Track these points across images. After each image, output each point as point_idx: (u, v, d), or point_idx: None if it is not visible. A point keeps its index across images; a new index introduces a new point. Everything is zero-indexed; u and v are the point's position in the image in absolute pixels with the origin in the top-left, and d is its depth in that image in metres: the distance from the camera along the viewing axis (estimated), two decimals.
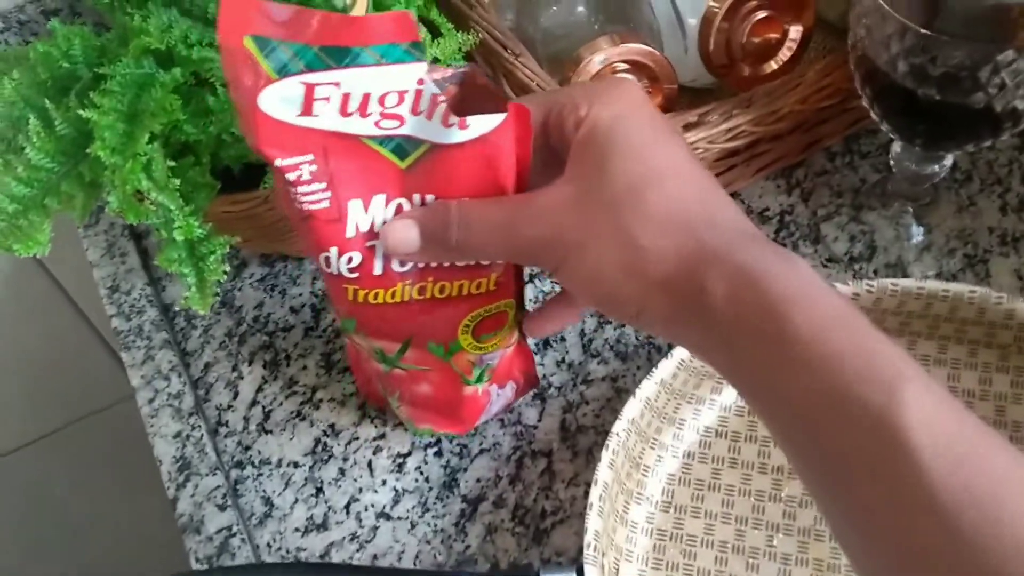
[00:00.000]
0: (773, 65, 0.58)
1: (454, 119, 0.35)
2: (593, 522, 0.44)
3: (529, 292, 0.58)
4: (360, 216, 0.38)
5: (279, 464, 0.53)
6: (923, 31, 0.42)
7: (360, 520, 0.51)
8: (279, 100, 0.34)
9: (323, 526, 0.51)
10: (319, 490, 0.52)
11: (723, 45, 0.56)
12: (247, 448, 0.54)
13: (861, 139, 0.62)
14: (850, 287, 0.49)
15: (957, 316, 0.49)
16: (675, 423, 0.50)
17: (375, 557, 0.50)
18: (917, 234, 0.57)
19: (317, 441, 0.54)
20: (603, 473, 0.45)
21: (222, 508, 0.52)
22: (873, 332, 0.30)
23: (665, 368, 0.48)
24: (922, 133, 0.48)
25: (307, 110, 0.34)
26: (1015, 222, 0.56)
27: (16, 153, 0.45)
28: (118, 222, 0.66)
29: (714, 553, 0.46)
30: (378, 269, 0.40)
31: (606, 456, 0.46)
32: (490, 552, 0.49)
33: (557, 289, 0.58)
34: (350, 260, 0.39)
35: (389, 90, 0.35)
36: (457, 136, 0.36)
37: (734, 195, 0.60)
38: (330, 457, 0.53)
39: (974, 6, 0.41)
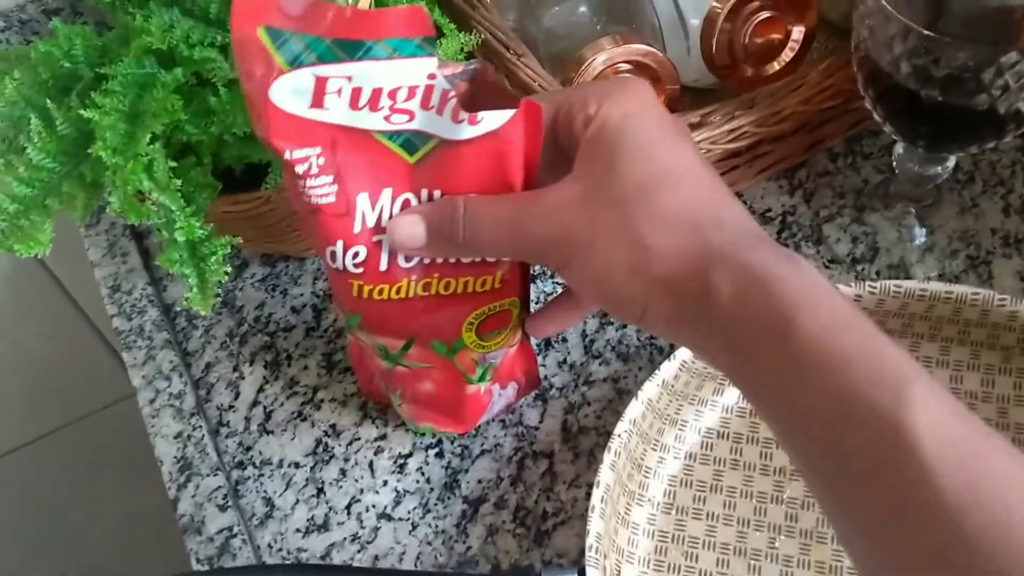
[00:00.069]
0: (776, 66, 0.58)
1: (464, 115, 0.35)
2: (595, 524, 0.44)
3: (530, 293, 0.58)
4: (367, 210, 0.38)
5: (280, 465, 0.53)
6: (926, 32, 0.42)
7: (361, 521, 0.51)
8: (290, 92, 0.34)
9: (324, 527, 0.51)
10: (320, 491, 0.52)
11: (726, 46, 0.56)
12: (248, 448, 0.54)
13: (863, 140, 0.62)
14: (852, 288, 0.49)
15: (960, 318, 0.49)
16: (677, 424, 0.50)
17: (376, 558, 0.50)
18: (920, 235, 0.57)
19: (318, 442, 0.54)
20: (605, 474, 0.45)
21: (223, 509, 0.52)
22: (878, 335, 0.30)
23: (667, 369, 0.48)
24: (925, 135, 0.48)
25: (318, 103, 0.35)
26: (1018, 223, 0.56)
27: (17, 153, 0.45)
28: (119, 222, 0.66)
29: (716, 555, 0.46)
30: (383, 264, 0.40)
31: (608, 457, 0.46)
32: (491, 553, 0.49)
33: (558, 290, 0.57)
34: (356, 255, 0.39)
35: (400, 85, 0.35)
36: (467, 132, 0.36)
37: (736, 196, 0.59)
38: (331, 458, 0.53)
39: (977, 7, 0.41)
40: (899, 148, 0.53)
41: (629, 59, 0.53)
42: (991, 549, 0.26)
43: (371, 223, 0.38)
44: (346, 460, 0.53)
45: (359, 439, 0.54)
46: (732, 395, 0.51)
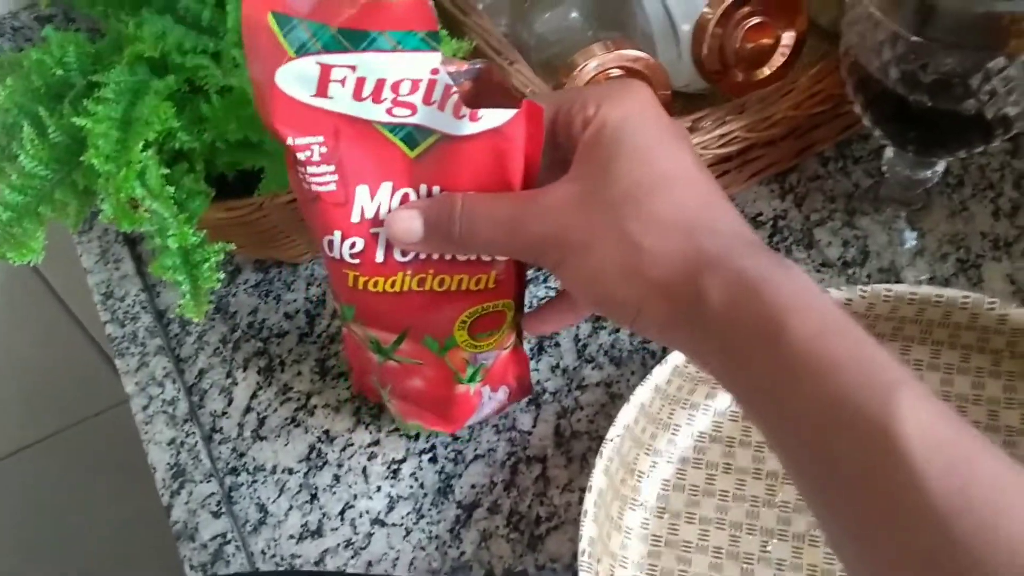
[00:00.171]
0: (766, 71, 0.58)
1: (465, 111, 0.36)
2: (588, 528, 0.44)
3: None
4: (366, 202, 0.38)
5: (274, 471, 0.53)
6: (914, 38, 0.42)
7: (355, 527, 0.51)
8: (295, 78, 0.34)
9: (318, 533, 0.51)
10: (314, 497, 0.52)
11: (716, 51, 0.56)
12: (241, 455, 0.54)
13: (854, 144, 0.62)
14: (843, 292, 0.49)
15: (950, 321, 0.49)
16: (669, 429, 0.50)
17: (369, 564, 0.50)
18: (910, 239, 0.57)
19: (312, 447, 0.54)
20: (597, 479, 0.45)
21: (216, 515, 0.52)
22: (868, 340, 0.30)
23: (659, 374, 0.48)
24: (914, 139, 0.49)
25: (322, 91, 0.35)
26: (1007, 227, 0.57)
27: (10, 160, 0.45)
28: (112, 228, 0.66)
29: (708, 559, 0.47)
30: (380, 257, 0.40)
31: (600, 462, 0.46)
32: (485, 558, 0.49)
33: (551, 295, 0.58)
34: (353, 245, 0.39)
35: (403, 77, 0.35)
36: (467, 128, 0.36)
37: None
38: (325, 464, 0.53)
39: (965, 13, 0.41)
40: (889, 152, 0.53)
41: (620, 64, 0.54)
42: (980, 553, 0.26)
43: (369, 215, 0.39)
44: (339, 466, 0.53)
45: (352, 445, 0.54)
46: (724, 399, 0.51)
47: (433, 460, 0.53)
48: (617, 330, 0.56)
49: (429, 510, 0.51)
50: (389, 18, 0.34)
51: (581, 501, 0.45)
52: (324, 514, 0.52)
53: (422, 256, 0.40)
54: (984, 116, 0.44)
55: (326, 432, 0.54)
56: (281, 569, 0.50)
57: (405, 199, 0.38)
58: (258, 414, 0.56)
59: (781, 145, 0.59)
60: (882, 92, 0.46)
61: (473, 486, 0.51)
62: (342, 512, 0.51)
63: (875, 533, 0.28)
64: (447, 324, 0.43)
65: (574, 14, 0.60)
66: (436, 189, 0.38)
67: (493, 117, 0.36)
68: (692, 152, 0.37)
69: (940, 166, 0.52)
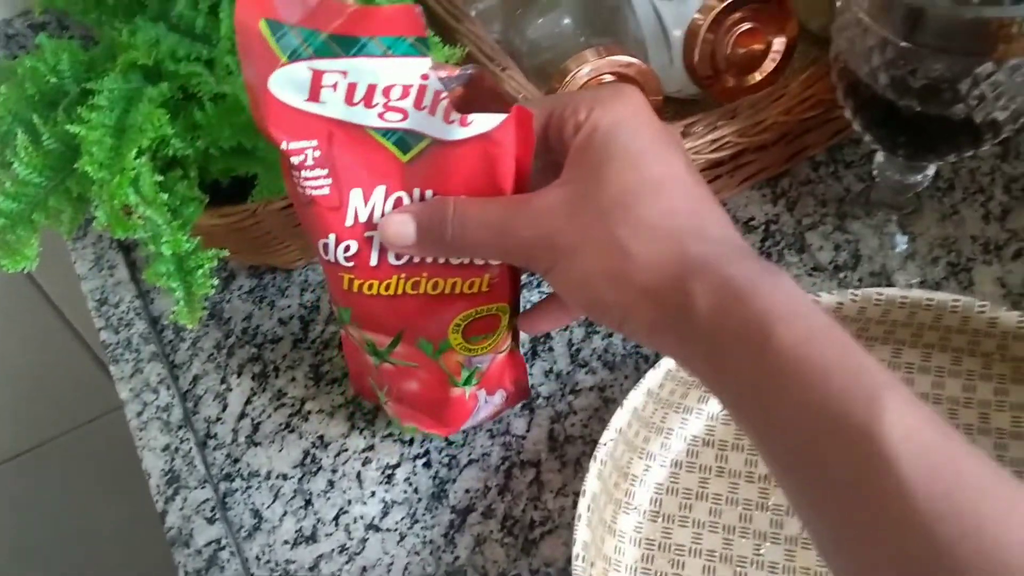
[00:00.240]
0: (757, 76, 0.58)
1: (455, 116, 0.36)
2: (581, 532, 0.44)
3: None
4: (360, 206, 0.39)
5: (268, 476, 0.53)
6: (903, 43, 0.42)
7: (349, 532, 0.51)
8: (288, 84, 0.35)
9: (312, 538, 0.51)
10: (308, 502, 0.52)
11: (708, 56, 0.57)
12: (236, 460, 0.54)
13: (845, 149, 0.62)
14: (835, 296, 0.49)
15: (941, 324, 0.49)
16: (662, 432, 0.50)
17: (364, 569, 0.50)
18: (901, 243, 0.57)
19: (306, 453, 0.54)
20: (591, 483, 0.45)
21: (211, 521, 0.52)
22: (855, 346, 0.31)
23: (652, 378, 0.49)
24: (904, 144, 0.49)
25: (314, 96, 0.35)
26: (997, 230, 0.57)
27: (4, 168, 0.45)
28: (106, 235, 0.66)
29: (702, 562, 0.47)
30: (374, 260, 0.40)
31: (594, 466, 0.46)
32: (479, 563, 0.49)
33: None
34: (347, 248, 0.40)
35: (394, 82, 0.35)
36: (458, 133, 0.37)
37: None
38: (319, 469, 0.53)
39: (954, 19, 0.41)
40: (879, 157, 0.53)
41: (612, 70, 0.54)
42: (965, 559, 0.26)
43: (363, 218, 0.39)
44: (334, 471, 0.53)
45: (347, 450, 0.54)
46: (717, 403, 0.51)
47: (427, 465, 0.53)
48: (610, 334, 0.56)
49: (423, 515, 0.51)
50: (379, 24, 0.34)
51: (575, 505, 0.45)
52: (318, 519, 0.52)
53: (416, 260, 0.40)
54: (973, 121, 0.44)
55: (320, 437, 0.55)
56: (276, 575, 0.50)
57: (398, 203, 0.39)
58: (252, 420, 0.56)
59: (772, 150, 0.59)
60: (872, 97, 0.46)
61: (467, 491, 0.51)
62: (336, 517, 0.52)
63: (860, 538, 0.29)
64: (442, 327, 0.43)
65: (566, 20, 0.60)
66: (429, 193, 0.39)
67: (483, 122, 0.37)
68: (684, 157, 0.37)
69: (930, 170, 0.53)
